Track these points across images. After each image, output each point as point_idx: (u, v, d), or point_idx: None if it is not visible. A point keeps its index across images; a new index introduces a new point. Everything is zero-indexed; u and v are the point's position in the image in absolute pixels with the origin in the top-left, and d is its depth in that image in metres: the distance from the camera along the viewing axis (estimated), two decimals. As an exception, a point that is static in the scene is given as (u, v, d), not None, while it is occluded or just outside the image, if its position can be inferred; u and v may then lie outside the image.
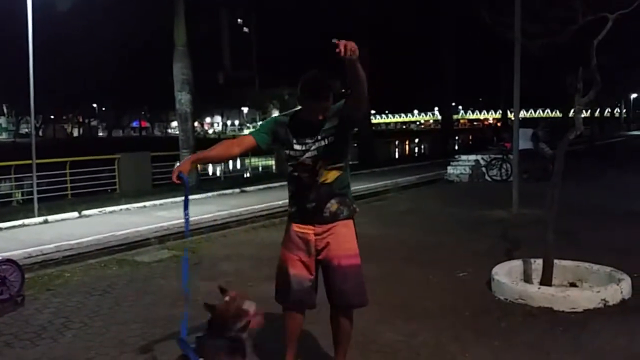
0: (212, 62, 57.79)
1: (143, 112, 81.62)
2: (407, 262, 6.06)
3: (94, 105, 76.74)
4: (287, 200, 3.24)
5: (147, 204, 11.23)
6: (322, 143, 3.03)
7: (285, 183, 3.28)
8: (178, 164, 3.03)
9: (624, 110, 67.58)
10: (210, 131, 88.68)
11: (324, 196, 3.06)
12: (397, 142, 43.33)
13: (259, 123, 2.85)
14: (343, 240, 3.08)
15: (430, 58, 31.82)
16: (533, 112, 66.95)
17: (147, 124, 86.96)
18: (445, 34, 26.62)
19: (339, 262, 3.07)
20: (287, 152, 3.09)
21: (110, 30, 46.23)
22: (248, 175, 19.86)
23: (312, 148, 3.04)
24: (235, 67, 66.67)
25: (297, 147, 3.06)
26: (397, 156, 33.22)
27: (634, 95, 62.45)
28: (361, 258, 3.17)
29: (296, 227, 3.13)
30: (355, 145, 21.06)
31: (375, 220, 8.70)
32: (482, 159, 14.92)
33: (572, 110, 4.94)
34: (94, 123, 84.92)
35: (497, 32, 5.39)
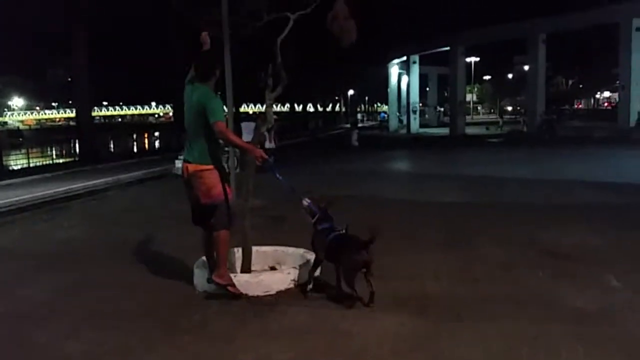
0: None
1: None
2: (111, 264, 5.70)
3: None
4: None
5: None
6: None
7: None
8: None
9: (344, 106, 75.90)
10: None
11: None
12: (133, 136, 41.46)
13: (215, 105, 4.35)
14: None
15: (160, 47, 30.96)
16: (253, 106, 65.77)
17: None
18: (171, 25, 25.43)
19: None
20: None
21: None
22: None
23: None
24: None
25: None
26: (134, 150, 31.62)
27: (350, 92, 70.73)
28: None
29: None
30: (76, 140, 19.39)
31: (85, 221, 8.08)
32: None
33: (268, 105, 5.17)
34: None
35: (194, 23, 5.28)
